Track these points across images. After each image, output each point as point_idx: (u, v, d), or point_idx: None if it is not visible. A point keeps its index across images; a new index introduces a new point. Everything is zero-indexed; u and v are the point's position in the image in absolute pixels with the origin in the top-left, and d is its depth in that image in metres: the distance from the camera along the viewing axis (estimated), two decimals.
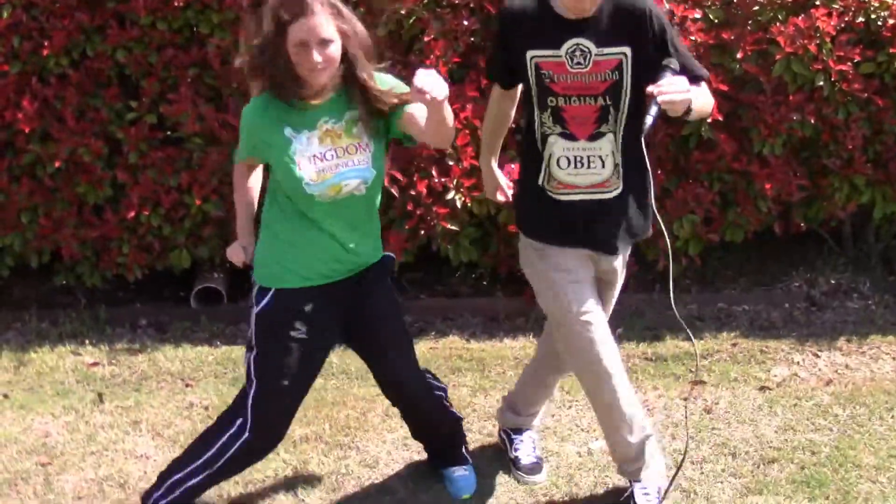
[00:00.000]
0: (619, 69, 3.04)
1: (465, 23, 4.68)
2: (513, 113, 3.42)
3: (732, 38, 4.73)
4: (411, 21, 4.67)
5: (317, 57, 2.87)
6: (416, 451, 3.81)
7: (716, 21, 4.78)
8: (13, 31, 4.65)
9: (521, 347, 4.76)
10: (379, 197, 3.18)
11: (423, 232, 4.79)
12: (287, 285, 3.08)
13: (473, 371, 4.52)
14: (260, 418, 3.13)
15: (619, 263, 3.38)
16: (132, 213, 4.80)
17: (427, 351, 4.73)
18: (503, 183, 3.59)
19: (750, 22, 4.77)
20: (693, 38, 4.69)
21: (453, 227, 4.77)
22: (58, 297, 5.23)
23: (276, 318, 3.09)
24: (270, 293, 3.08)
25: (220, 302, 5.01)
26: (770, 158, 4.82)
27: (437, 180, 4.68)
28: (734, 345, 4.69)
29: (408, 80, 2.82)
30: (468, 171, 4.71)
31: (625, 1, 3.02)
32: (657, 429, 3.92)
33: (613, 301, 3.51)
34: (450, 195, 4.68)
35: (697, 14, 4.74)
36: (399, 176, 4.66)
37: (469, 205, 4.75)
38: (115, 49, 4.72)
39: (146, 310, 5.13)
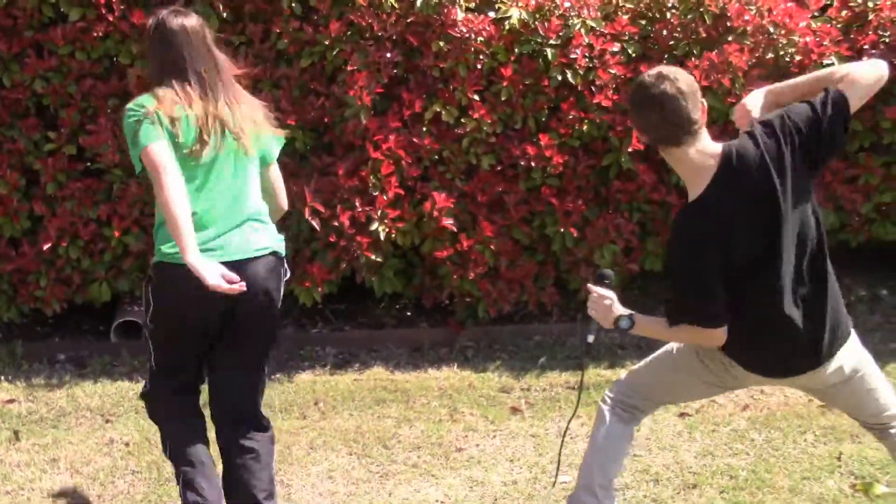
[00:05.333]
0: None
1: (388, 55, 4.72)
2: None
3: None
4: (335, 52, 4.69)
5: None
6: (342, 484, 3.80)
7: (633, 55, 4.90)
8: None
9: (446, 378, 4.78)
10: None
11: (345, 263, 4.79)
12: None
13: (398, 402, 4.52)
14: None
15: None
16: (49, 246, 4.71)
17: (351, 382, 4.72)
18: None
19: (666, 56, 4.90)
20: (612, 70, 4.80)
21: (377, 259, 4.78)
22: None
23: None
24: None
25: (140, 335, 4.94)
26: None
27: (360, 210, 4.69)
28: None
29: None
30: (392, 202, 4.74)
31: None
32: (581, 457, 3.96)
33: None
34: (373, 226, 4.70)
35: (615, 47, 4.86)
36: (320, 208, 4.66)
37: (393, 236, 4.77)
38: (33, 79, 4.66)
39: (65, 344, 5.04)
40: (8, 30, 4.64)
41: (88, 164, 4.80)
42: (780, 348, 2.88)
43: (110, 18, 4.54)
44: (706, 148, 2.75)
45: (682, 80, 2.73)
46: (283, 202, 3.35)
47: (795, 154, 2.74)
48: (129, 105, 3.01)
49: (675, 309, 2.90)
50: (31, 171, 4.77)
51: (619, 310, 2.96)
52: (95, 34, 4.59)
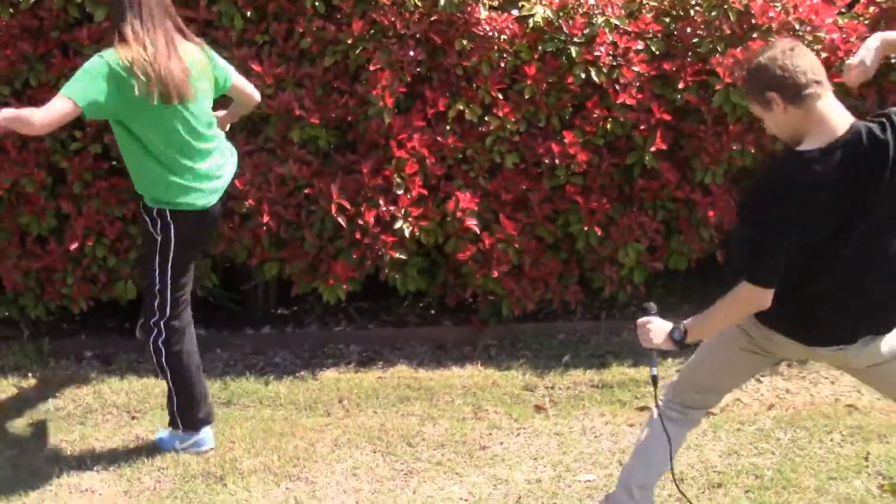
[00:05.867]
0: None
1: (412, 53, 4.72)
2: None
3: (673, 69, 4.84)
4: (358, 51, 4.70)
5: None
6: (367, 482, 3.81)
7: (657, 52, 4.89)
8: None
9: (469, 375, 4.78)
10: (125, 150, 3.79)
11: (370, 261, 4.80)
12: None
13: (422, 400, 4.53)
14: None
15: None
16: (76, 244, 4.75)
17: (375, 380, 4.73)
18: None
19: (690, 53, 4.88)
20: (635, 69, 4.78)
21: (401, 257, 4.79)
22: (0, 330, 5.15)
23: None
24: None
25: None
26: (712, 187, 4.92)
27: (384, 209, 4.70)
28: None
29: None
30: (416, 201, 4.74)
31: None
32: (605, 455, 3.97)
33: None
34: (398, 224, 4.70)
35: (639, 45, 4.85)
36: (347, 205, 4.68)
37: (417, 234, 4.78)
38: (59, 79, 4.66)
39: (91, 341, 5.08)
40: (34, 30, 4.67)
41: (114, 162, 4.83)
42: (836, 318, 2.90)
43: None
44: (835, 107, 2.82)
45: None
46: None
47: None
48: None
49: (736, 260, 2.94)
50: (57, 170, 4.80)
51: (666, 325, 3.00)
52: None
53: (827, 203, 2.77)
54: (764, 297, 2.86)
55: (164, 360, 3.94)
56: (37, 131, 3.58)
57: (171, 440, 4.04)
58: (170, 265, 3.87)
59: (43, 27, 4.67)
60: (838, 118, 2.81)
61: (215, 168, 3.87)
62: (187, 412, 4.00)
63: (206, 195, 3.84)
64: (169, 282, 3.88)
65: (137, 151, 3.74)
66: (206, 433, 4.06)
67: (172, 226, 3.81)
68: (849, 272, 2.84)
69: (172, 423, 4.04)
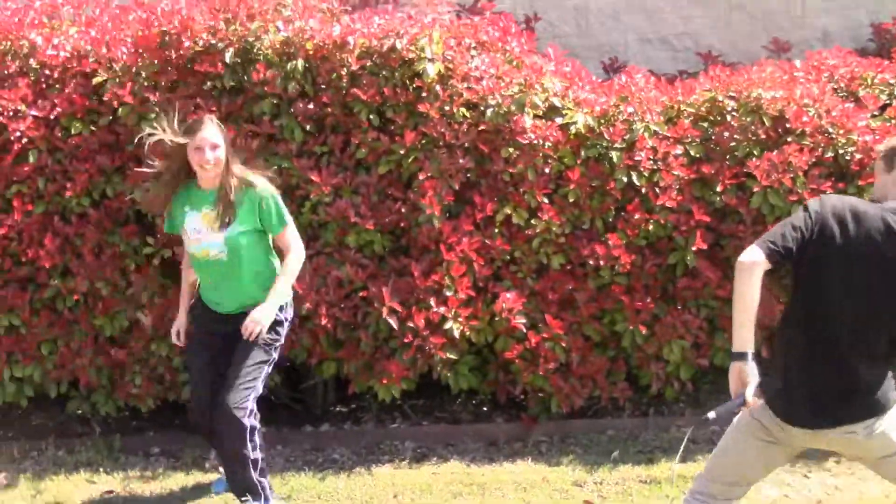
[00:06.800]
0: None
1: (461, 161, 4.98)
2: None
3: (712, 172, 5.03)
4: (410, 160, 4.97)
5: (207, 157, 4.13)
6: None
7: (696, 156, 5.08)
8: (39, 173, 4.98)
9: (520, 471, 4.88)
10: (245, 269, 4.24)
11: (422, 361, 4.98)
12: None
13: (474, 495, 4.64)
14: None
15: None
16: (143, 344, 5.02)
17: (429, 476, 4.86)
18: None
19: (728, 157, 5.06)
20: (675, 172, 4.98)
21: (451, 356, 4.97)
22: (74, 426, 5.42)
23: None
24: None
25: None
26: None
27: (435, 310, 4.90)
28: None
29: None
30: (465, 302, 4.94)
31: None
32: None
33: None
34: (447, 325, 4.89)
35: (678, 150, 5.05)
36: (398, 307, 4.89)
37: (467, 334, 4.96)
38: (133, 189, 5.01)
39: (159, 438, 5.31)
40: (111, 145, 5.04)
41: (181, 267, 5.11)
42: (816, 387, 3.10)
43: None
44: None
45: None
46: None
47: None
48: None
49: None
50: (129, 275, 5.10)
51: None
52: None
53: (844, 255, 3.05)
54: (752, 253, 3.07)
55: (255, 435, 4.28)
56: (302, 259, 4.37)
57: None
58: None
59: (119, 142, 5.03)
60: None
61: None
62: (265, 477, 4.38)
63: None
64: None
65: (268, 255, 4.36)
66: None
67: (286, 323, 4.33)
68: (838, 350, 3.05)
69: (254, 493, 4.28)
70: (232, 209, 4.18)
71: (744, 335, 3.06)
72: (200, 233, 4.23)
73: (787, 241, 3.06)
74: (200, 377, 4.39)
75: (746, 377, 3.04)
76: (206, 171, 4.16)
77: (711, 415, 3.04)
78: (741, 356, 3.05)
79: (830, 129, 4.95)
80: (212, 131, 4.16)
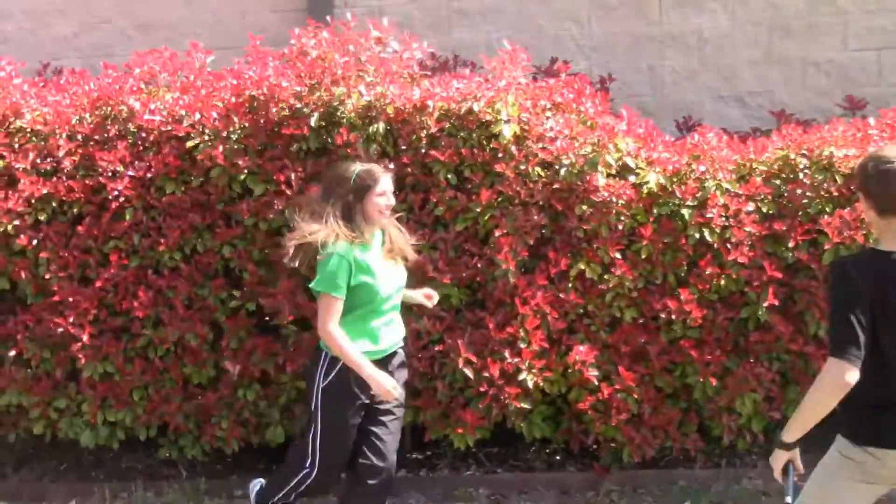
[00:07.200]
0: None
1: (535, 218, 5.13)
2: None
3: (784, 228, 5.11)
4: (486, 218, 5.14)
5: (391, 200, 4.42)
6: None
7: (768, 213, 5.16)
8: (134, 230, 5.27)
9: None
10: None
11: (496, 410, 5.12)
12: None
13: None
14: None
15: None
16: (229, 391, 5.25)
17: None
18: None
19: (800, 213, 5.14)
20: (747, 229, 5.07)
21: (525, 406, 5.10)
22: (161, 469, 5.67)
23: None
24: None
25: None
26: (826, 340, 5.08)
27: (509, 361, 5.05)
28: None
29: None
30: (539, 353, 5.07)
31: None
32: None
33: None
34: (521, 376, 5.03)
35: (750, 207, 5.14)
36: (474, 358, 5.05)
37: (540, 385, 5.09)
38: (222, 245, 5.27)
39: (242, 481, 5.48)
40: (203, 203, 5.30)
41: (266, 318, 5.35)
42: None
43: (289, 193, 5.10)
44: None
45: None
46: None
47: None
48: None
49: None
50: (217, 325, 5.35)
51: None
52: (276, 206, 5.16)
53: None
54: (846, 372, 3.10)
55: None
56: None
57: None
58: None
59: (210, 201, 5.29)
60: None
61: None
62: None
63: None
64: None
65: None
66: None
67: None
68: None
69: None
70: None
71: (799, 433, 3.28)
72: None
73: (860, 342, 3.13)
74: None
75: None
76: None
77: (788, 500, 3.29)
78: (791, 446, 3.32)
79: None
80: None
